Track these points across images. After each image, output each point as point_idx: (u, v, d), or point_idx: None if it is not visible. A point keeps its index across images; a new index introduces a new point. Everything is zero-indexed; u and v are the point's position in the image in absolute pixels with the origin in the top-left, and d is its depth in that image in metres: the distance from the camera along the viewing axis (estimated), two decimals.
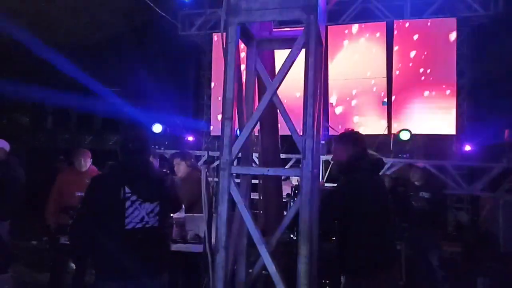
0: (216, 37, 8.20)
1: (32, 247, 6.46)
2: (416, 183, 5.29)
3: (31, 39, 7.92)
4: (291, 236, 4.20)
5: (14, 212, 4.67)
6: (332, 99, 7.62)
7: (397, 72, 7.44)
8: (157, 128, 8.23)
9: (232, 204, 1.71)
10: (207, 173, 1.91)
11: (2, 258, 3.32)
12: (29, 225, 6.12)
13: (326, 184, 4.98)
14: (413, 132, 7.06)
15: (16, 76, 9.22)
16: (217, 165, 1.80)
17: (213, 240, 1.92)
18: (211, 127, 8.60)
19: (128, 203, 2.43)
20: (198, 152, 8.17)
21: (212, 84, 8.73)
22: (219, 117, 8.15)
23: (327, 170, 5.89)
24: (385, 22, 7.56)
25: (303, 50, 1.69)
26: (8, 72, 9.17)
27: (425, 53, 7.37)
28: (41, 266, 5.47)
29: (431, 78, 7.29)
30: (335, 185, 3.13)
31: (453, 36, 7.23)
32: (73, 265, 5.00)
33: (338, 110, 7.64)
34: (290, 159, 7.49)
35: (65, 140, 11.53)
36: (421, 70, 7.36)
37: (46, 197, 4.74)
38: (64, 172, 4.97)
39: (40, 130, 12.29)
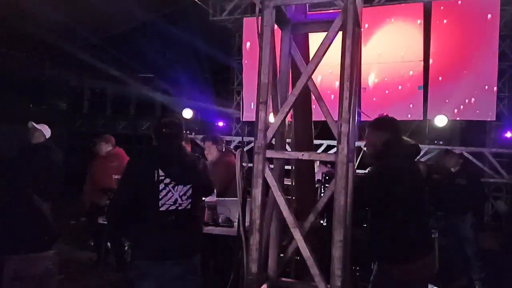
0: (252, 21, 8.13)
1: (71, 227, 6.78)
2: (451, 169, 5.12)
3: (66, 26, 8.14)
4: (321, 222, 4.20)
5: (54, 194, 4.89)
6: (365, 84, 7.43)
7: (435, 56, 7.14)
8: (187, 113, 8.35)
9: (266, 188, 1.72)
10: (241, 157, 1.93)
11: (45, 236, 3.50)
12: (68, 206, 6.42)
13: (357, 171, 4.91)
14: (450, 118, 6.80)
15: (54, 64, 9.58)
16: (251, 149, 1.81)
17: (246, 224, 1.95)
18: (242, 113, 8.62)
19: (161, 186, 2.51)
20: (228, 138, 8.25)
21: (243, 70, 8.71)
22: (251, 103, 8.20)
23: (358, 156, 5.80)
24: (422, 3, 7.24)
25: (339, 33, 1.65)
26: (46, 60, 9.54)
27: (465, 35, 7.02)
28: (81, 245, 5.74)
29: (470, 62, 6.95)
30: (366, 171, 3.09)
31: (495, 16, 6.83)
32: (108, 245, 5.24)
33: (371, 95, 7.45)
34: (321, 145, 7.44)
35: (101, 125, 11.93)
36: (460, 53, 7.03)
37: (83, 179, 5.07)
38: (94, 158, 5.27)
39: (78, 115, 12.76)
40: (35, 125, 4.77)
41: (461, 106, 6.92)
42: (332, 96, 6.43)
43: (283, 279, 2.06)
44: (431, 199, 3.58)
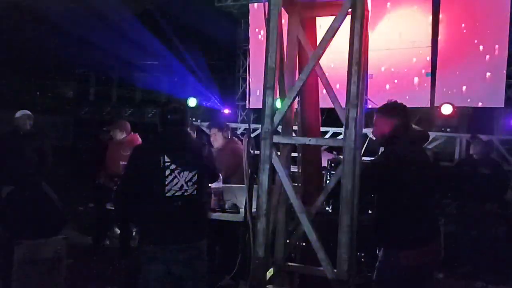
0: (256, 5, 8.03)
1: (79, 213, 6.86)
2: (474, 156, 5.00)
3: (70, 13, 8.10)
4: (326, 208, 4.21)
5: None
6: (372, 71, 7.33)
7: (443, 41, 7.02)
8: (192, 101, 8.39)
9: (272, 173, 1.72)
10: (248, 143, 1.93)
11: (54, 221, 3.56)
12: (76, 192, 6.48)
13: (363, 158, 4.88)
14: (458, 105, 6.72)
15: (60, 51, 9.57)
16: (257, 136, 1.80)
17: (253, 209, 1.96)
18: (249, 100, 8.59)
19: (167, 172, 2.52)
20: (234, 125, 8.24)
21: (250, 56, 8.64)
22: (257, 90, 8.16)
23: (364, 143, 5.78)
24: None
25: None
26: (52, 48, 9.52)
27: (474, 19, 6.88)
28: (90, 231, 5.81)
29: (480, 47, 6.83)
30: (373, 158, 3.07)
31: (506, 1, 6.69)
32: (117, 230, 5.30)
33: (378, 82, 7.37)
34: (327, 132, 7.42)
35: (107, 112, 11.97)
36: (469, 38, 6.91)
37: (92, 164, 5.07)
38: (109, 143, 5.24)
39: (84, 102, 12.79)
40: (28, 112, 4.76)
41: (469, 93, 6.83)
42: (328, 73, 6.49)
43: (289, 263, 2.07)
44: (438, 186, 3.56)
